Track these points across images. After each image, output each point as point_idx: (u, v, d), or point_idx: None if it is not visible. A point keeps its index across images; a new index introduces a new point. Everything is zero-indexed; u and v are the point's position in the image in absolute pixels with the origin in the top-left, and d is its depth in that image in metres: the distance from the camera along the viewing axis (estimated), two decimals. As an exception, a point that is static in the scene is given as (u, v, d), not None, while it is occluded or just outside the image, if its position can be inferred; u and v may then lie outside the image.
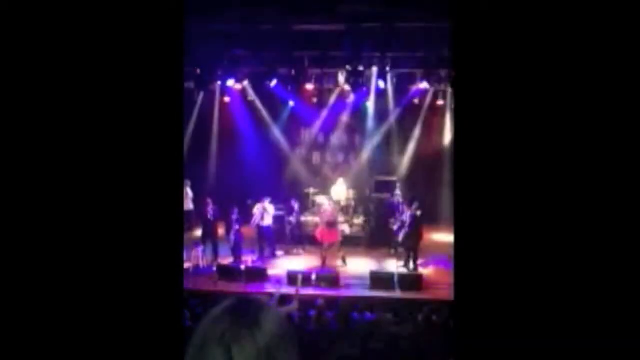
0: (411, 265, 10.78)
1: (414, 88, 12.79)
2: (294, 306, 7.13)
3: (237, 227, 11.02)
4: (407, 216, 10.83)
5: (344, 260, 11.09)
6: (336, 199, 12.75)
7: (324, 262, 10.97)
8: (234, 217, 11.06)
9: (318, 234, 11.28)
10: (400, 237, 10.95)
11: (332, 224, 11.10)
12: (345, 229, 12.70)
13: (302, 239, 12.25)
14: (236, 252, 11.16)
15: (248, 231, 11.49)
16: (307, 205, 13.34)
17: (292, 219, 12.28)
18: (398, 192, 12.53)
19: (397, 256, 11.08)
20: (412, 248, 10.84)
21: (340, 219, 12.60)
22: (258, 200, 11.46)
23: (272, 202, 11.56)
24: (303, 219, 12.69)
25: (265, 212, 11.30)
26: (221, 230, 11.60)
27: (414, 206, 10.83)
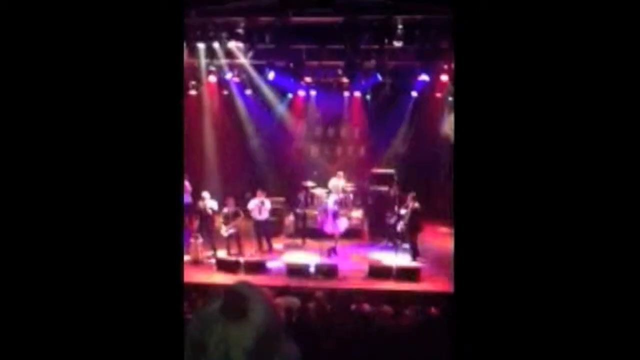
0: (408, 256, 10.83)
1: (412, 80, 12.77)
2: (295, 300, 7.15)
3: (236, 221, 11.04)
4: (405, 209, 10.87)
5: (334, 251, 11.13)
6: (334, 192, 12.77)
7: (330, 253, 10.99)
8: (231, 210, 11.07)
9: (323, 225, 11.34)
10: (399, 229, 10.99)
11: (335, 215, 11.16)
12: (344, 221, 12.75)
13: (304, 232, 12.27)
14: (234, 245, 11.18)
15: (244, 224, 11.51)
16: (305, 198, 13.34)
17: (299, 210, 12.30)
18: (395, 184, 12.55)
19: (395, 248, 11.11)
20: (411, 240, 10.86)
21: (341, 211, 12.66)
22: (252, 194, 11.48)
23: (268, 195, 11.58)
24: (301, 211, 12.71)
25: (262, 205, 11.32)
26: (218, 223, 11.62)
27: (411, 198, 10.86)
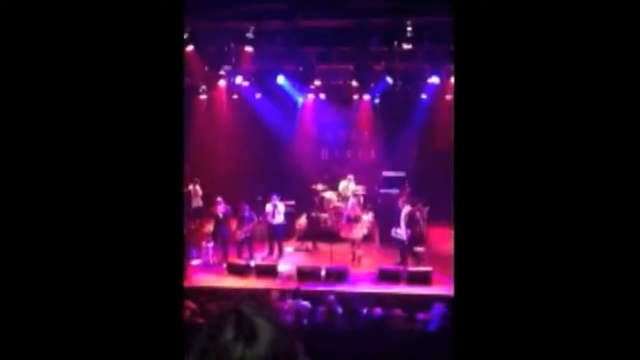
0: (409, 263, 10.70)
1: (422, 83, 12.73)
2: (305, 303, 7.16)
3: (250, 225, 11.05)
4: (403, 214, 10.70)
5: (358, 260, 10.99)
6: (344, 195, 12.73)
7: (355, 259, 10.84)
8: (246, 214, 11.08)
9: (342, 230, 11.19)
10: (392, 234, 10.86)
11: (354, 219, 11.01)
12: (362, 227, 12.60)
13: (312, 235, 12.24)
14: (246, 249, 11.20)
15: (256, 228, 11.51)
16: (316, 201, 13.32)
17: (314, 214, 12.28)
18: (405, 187, 12.47)
19: (402, 252, 11.02)
20: (407, 248, 10.64)
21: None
22: (268, 197, 11.49)
23: (282, 199, 11.58)
24: (312, 215, 12.69)
25: (276, 209, 11.31)
26: (232, 227, 11.65)
27: (402, 202, 10.73)
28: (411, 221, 10.60)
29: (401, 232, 10.60)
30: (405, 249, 10.67)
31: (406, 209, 10.60)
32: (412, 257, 10.70)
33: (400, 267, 10.38)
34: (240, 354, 1.21)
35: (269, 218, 11.31)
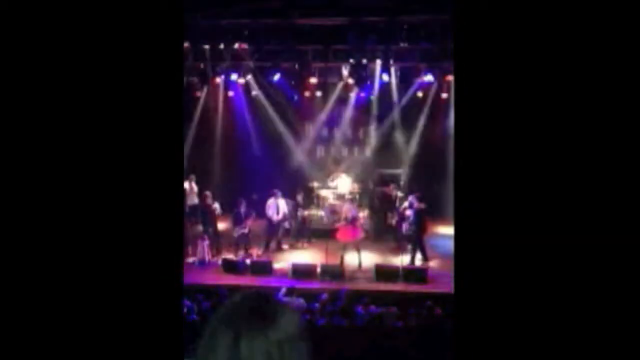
0: (417, 259, 10.72)
1: (418, 81, 12.75)
2: (301, 301, 7.13)
3: (248, 221, 10.99)
4: (408, 210, 10.75)
5: (359, 264, 10.84)
6: (340, 193, 12.72)
7: (341, 262, 10.75)
8: (242, 210, 11.01)
9: (339, 234, 11.07)
10: (404, 231, 10.88)
11: (352, 220, 10.91)
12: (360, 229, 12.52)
13: (308, 233, 12.24)
14: (242, 246, 11.16)
15: (253, 225, 11.50)
16: (311, 199, 13.33)
17: (299, 212, 12.30)
18: (396, 185, 12.48)
19: (401, 249, 11.04)
20: (416, 242, 10.79)
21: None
22: (268, 194, 11.45)
23: (283, 196, 11.54)
24: (307, 212, 12.69)
25: (279, 206, 11.29)
26: (224, 224, 11.61)
27: (415, 198, 10.75)
28: (422, 217, 10.62)
29: (413, 228, 10.60)
30: (416, 247, 10.69)
31: (418, 205, 10.60)
32: (422, 253, 10.71)
33: (400, 265, 10.39)
34: (237, 321, 1.16)
35: (271, 214, 11.25)
